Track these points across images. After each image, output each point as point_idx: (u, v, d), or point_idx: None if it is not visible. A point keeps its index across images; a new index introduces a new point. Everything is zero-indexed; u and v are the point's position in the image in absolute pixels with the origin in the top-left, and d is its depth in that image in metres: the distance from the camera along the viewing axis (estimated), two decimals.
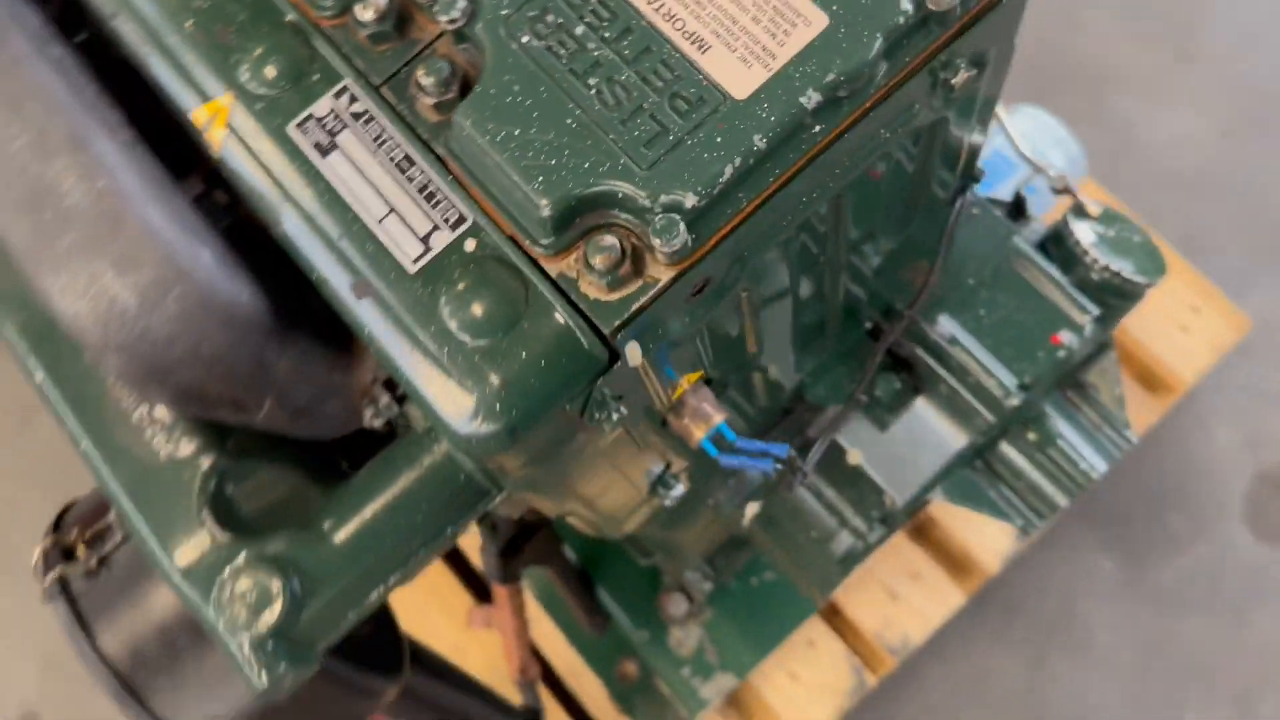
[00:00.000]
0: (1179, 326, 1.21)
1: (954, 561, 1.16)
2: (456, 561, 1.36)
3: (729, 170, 0.44)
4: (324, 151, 0.50)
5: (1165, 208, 1.40)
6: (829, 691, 1.19)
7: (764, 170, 0.45)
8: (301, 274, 0.50)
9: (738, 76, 0.45)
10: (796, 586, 0.97)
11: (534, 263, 0.47)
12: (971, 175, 0.67)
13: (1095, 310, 0.76)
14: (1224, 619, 1.29)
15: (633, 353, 0.47)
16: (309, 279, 0.50)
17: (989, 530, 1.10)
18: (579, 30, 0.47)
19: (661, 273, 0.45)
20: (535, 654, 1.36)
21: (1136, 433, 0.91)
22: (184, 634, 0.60)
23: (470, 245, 0.48)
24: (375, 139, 0.50)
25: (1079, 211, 0.79)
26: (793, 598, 1.19)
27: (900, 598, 1.14)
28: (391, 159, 0.49)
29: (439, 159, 0.49)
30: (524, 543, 1.00)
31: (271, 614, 0.53)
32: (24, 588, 0.88)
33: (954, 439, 0.82)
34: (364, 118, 0.50)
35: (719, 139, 0.44)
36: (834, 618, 1.21)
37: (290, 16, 0.52)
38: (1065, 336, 0.77)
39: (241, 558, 0.54)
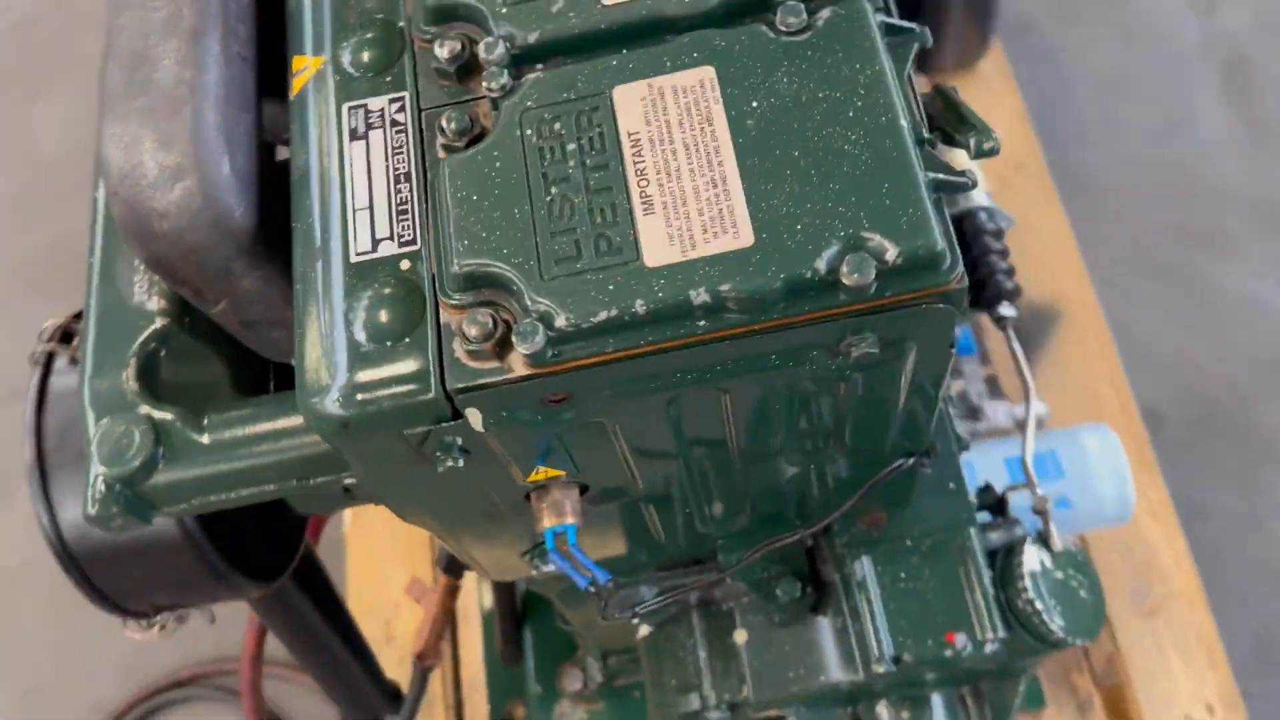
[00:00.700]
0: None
1: None
2: None
3: (603, 314, 0.49)
4: (355, 137, 0.58)
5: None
6: None
7: (636, 332, 0.50)
8: None
9: (657, 247, 0.50)
10: None
11: (436, 305, 0.53)
12: (918, 446, 0.69)
13: (1003, 633, 0.76)
14: None
15: (473, 417, 0.53)
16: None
17: None
18: (570, 146, 0.53)
19: (517, 366, 0.51)
20: (447, 653, 1.42)
21: None
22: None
23: (405, 265, 0.55)
24: (394, 148, 0.57)
25: (1041, 538, 0.79)
26: None
27: None
28: (394, 169, 0.57)
29: (425, 188, 0.56)
30: None
31: (128, 463, 0.61)
32: None
33: (834, 671, 0.82)
34: (397, 127, 0.58)
35: (611, 287, 0.50)
36: None
37: (401, 23, 0.61)
38: (960, 640, 0.77)
39: (138, 409, 0.63)
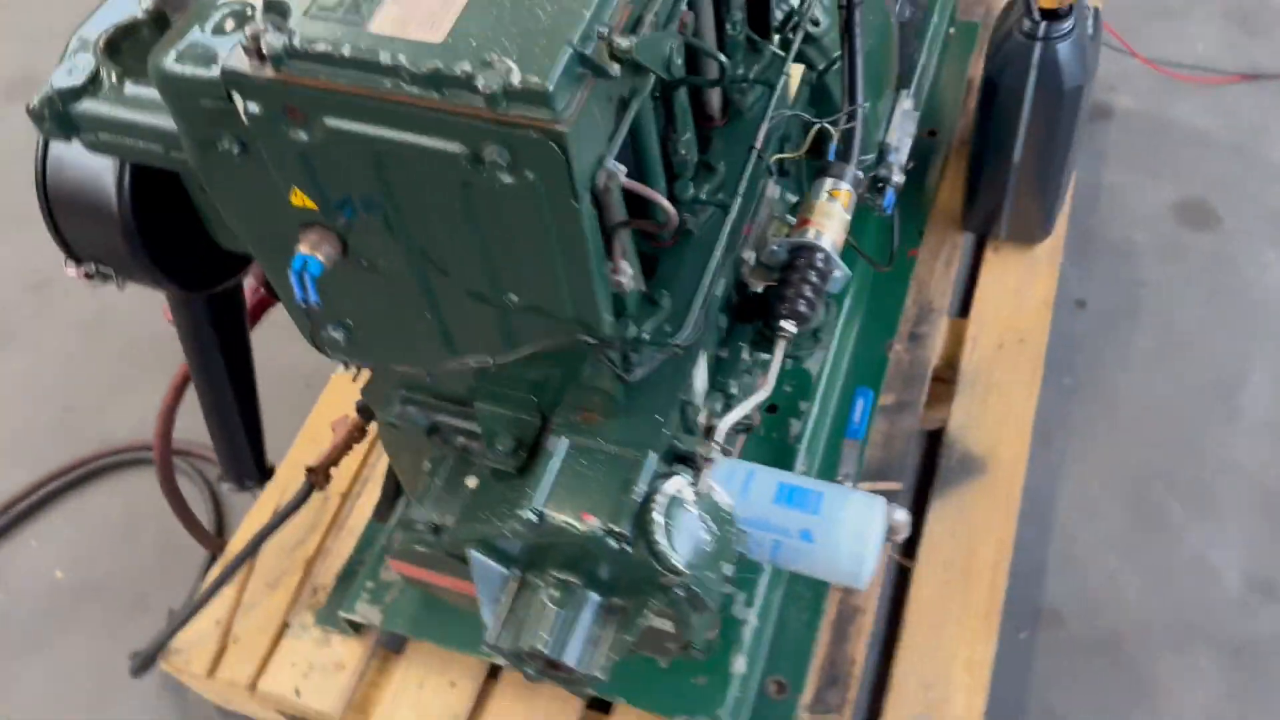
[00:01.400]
0: None
1: None
2: None
3: (321, 45, 0.71)
4: None
5: None
6: None
7: (341, 70, 0.71)
8: None
9: (384, 22, 0.72)
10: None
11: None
12: (594, 323, 0.85)
13: (626, 530, 0.89)
14: None
15: (237, 101, 0.75)
16: None
17: None
18: None
19: (266, 71, 0.73)
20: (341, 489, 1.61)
21: None
22: None
23: None
24: None
25: (695, 479, 0.91)
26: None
27: None
28: None
29: None
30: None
31: (70, 81, 0.88)
32: None
33: (506, 522, 0.97)
34: None
35: (338, 33, 0.72)
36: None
37: None
38: (592, 521, 0.90)
39: (97, 54, 0.89)
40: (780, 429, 1.47)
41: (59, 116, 0.89)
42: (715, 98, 1.11)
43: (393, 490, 1.49)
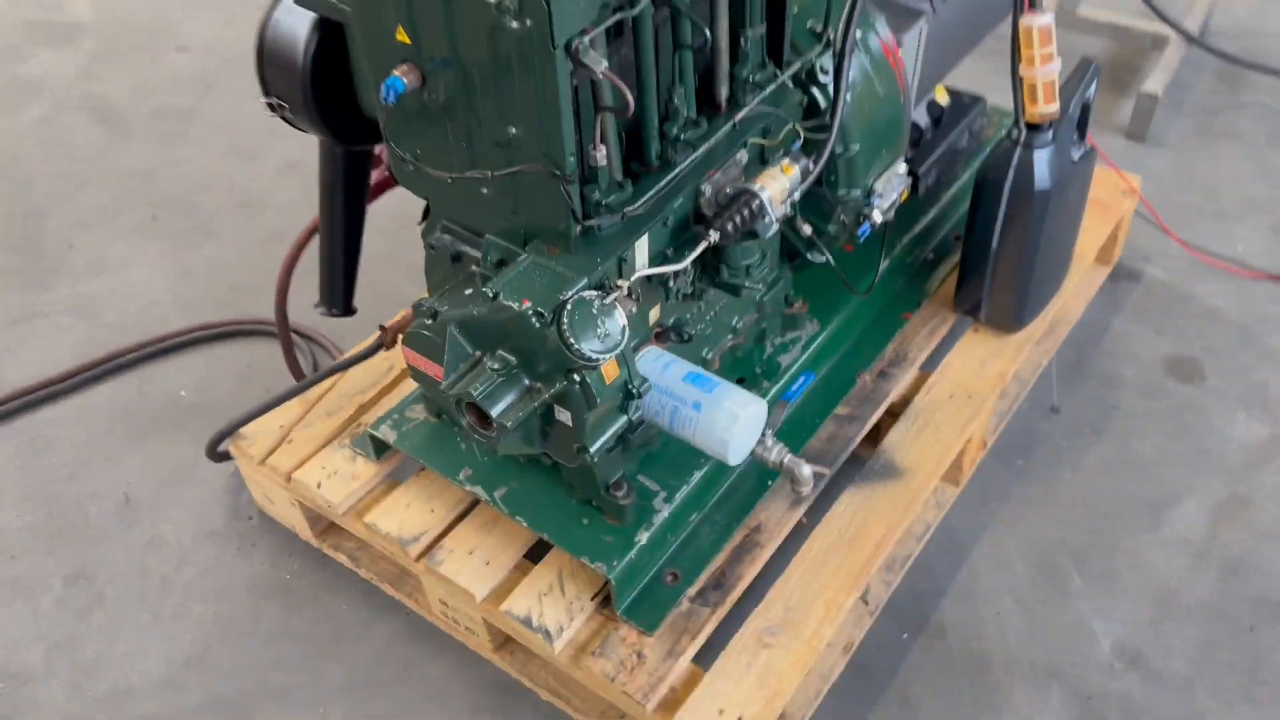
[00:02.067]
0: None
1: None
2: None
3: None
4: None
5: None
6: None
7: None
8: None
9: None
10: None
11: None
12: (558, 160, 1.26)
13: (549, 318, 1.27)
14: None
15: None
16: None
17: None
18: None
19: None
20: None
21: None
22: None
23: None
24: None
25: (605, 295, 1.28)
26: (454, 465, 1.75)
27: None
28: None
29: None
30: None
31: None
32: None
33: (474, 306, 1.38)
34: None
35: None
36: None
37: None
38: (528, 304, 1.29)
39: None
40: None
41: None
42: (723, 90, 1.53)
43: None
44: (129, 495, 2.13)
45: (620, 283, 1.34)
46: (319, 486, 1.85)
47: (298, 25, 1.53)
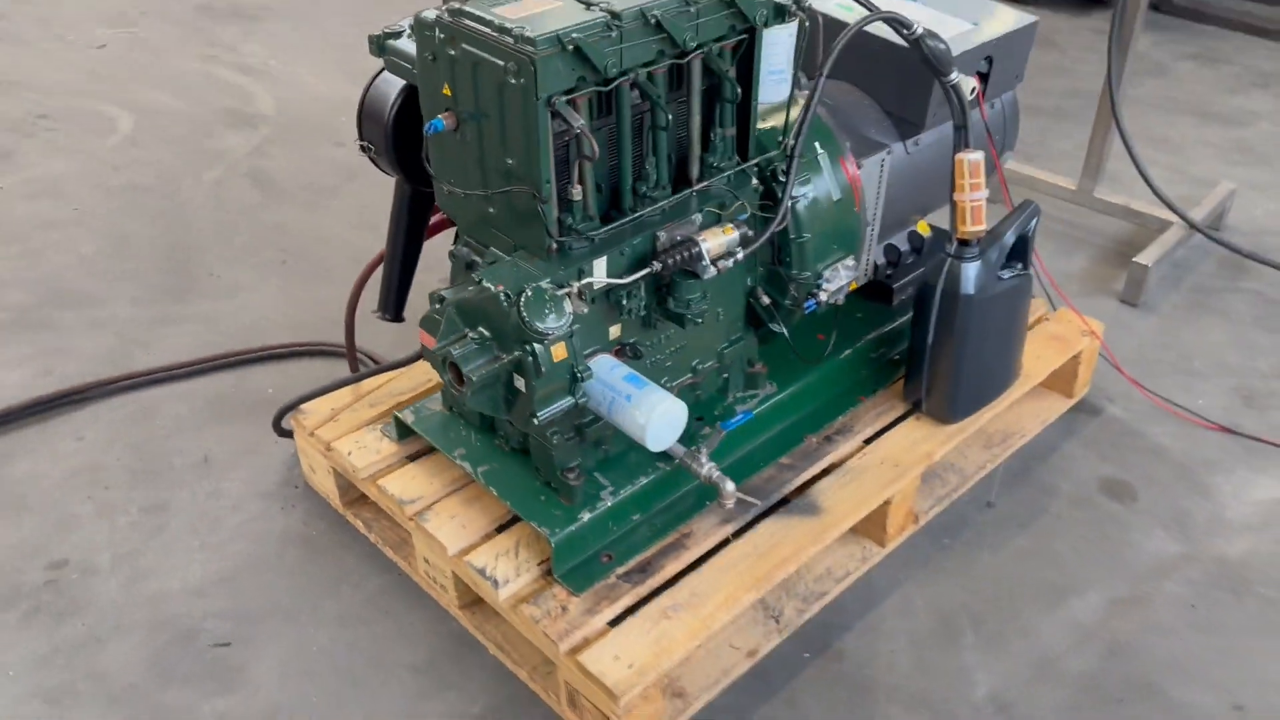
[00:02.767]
0: None
1: None
2: None
3: None
4: None
5: None
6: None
7: None
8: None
9: None
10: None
11: None
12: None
13: (513, 298, 1.70)
14: None
15: None
16: None
17: None
18: None
19: None
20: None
21: None
22: None
23: None
24: None
25: (561, 293, 1.70)
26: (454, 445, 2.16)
27: None
28: None
29: None
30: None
31: (386, 30, 1.93)
32: None
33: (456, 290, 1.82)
34: None
35: None
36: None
37: None
38: (502, 292, 1.73)
39: None
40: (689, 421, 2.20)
41: (378, 42, 1.95)
42: (694, 168, 1.98)
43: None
44: (208, 457, 2.61)
45: (573, 284, 1.77)
46: (349, 454, 2.29)
47: (390, 88, 2.07)
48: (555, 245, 1.81)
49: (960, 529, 2.40)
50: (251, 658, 2.13)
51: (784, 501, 2.21)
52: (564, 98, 1.68)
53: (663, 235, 1.91)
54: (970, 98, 2.29)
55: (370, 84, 2.12)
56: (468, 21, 1.71)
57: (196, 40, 5.00)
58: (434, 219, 2.31)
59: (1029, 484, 2.52)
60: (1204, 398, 2.79)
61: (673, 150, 1.96)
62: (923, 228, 2.62)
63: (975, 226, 2.18)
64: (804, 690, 2.06)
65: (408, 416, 2.27)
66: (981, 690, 2.06)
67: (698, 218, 1.96)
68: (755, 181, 2.07)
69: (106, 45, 4.95)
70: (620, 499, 2.07)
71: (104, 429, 2.70)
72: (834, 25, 2.11)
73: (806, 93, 2.02)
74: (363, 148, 2.15)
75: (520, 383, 1.81)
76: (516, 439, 2.13)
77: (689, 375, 2.18)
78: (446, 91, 1.81)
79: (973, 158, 2.14)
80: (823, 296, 2.17)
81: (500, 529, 2.13)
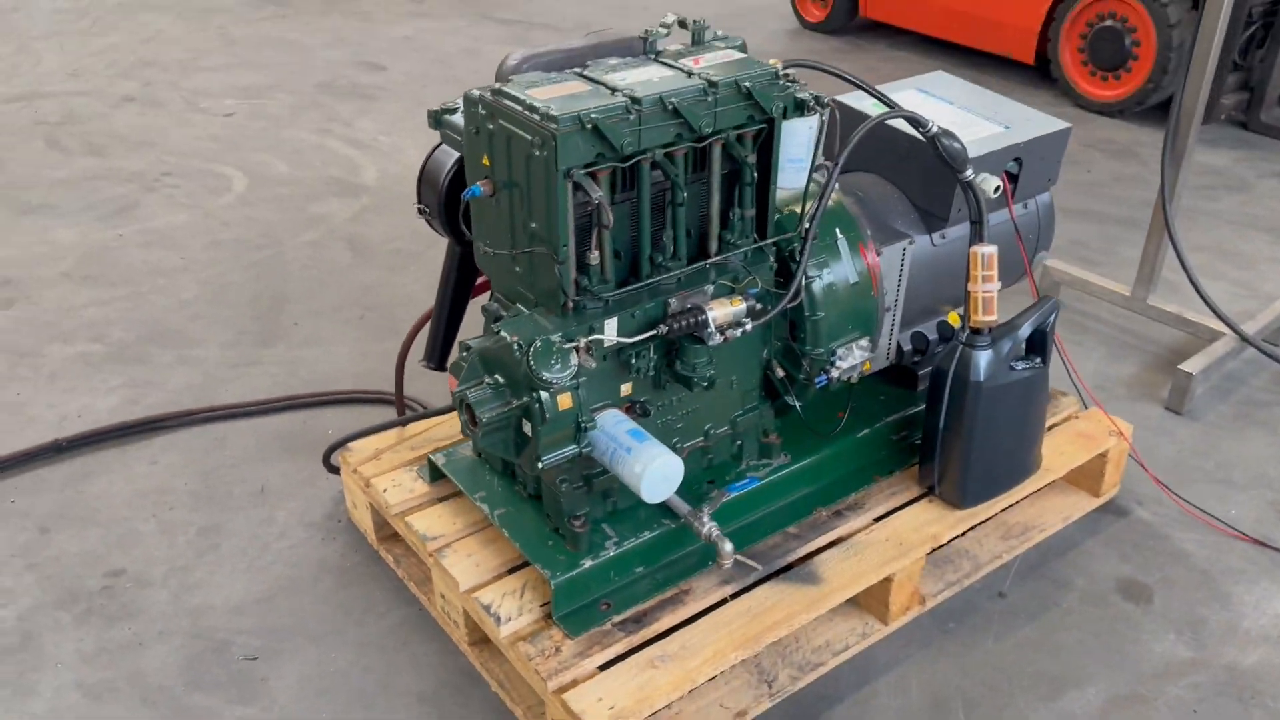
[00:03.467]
0: None
1: None
2: None
3: None
4: None
5: None
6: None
7: None
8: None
9: None
10: None
11: None
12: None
13: (524, 348, 1.85)
14: None
15: None
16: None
17: None
18: None
19: None
20: None
21: None
22: None
23: None
24: None
25: (570, 348, 1.84)
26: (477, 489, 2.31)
27: None
28: None
29: None
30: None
31: (443, 106, 2.15)
32: None
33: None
34: None
35: None
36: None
37: None
38: (515, 338, 1.88)
39: None
40: (700, 484, 2.31)
41: (436, 116, 2.16)
42: (713, 243, 2.13)
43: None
44: (265, 487, 2.82)
45: (580, 339, 1.92)
46: (385, 491, 2.46)
47: (446, 159, 2.29)
48: (570, 303, 1.96)
49: (968, 615, 2.43)
50: (274, 672, 2.29)
51: (786, 569, 2.28)
52: (584, 171, 1.85)
53: (673, 302, 2.05)
54: (994, 196, 2.39)
55: (430, 154, 2.34)
56: (505, 100, 1.90)
57: (315, 114, 5.42)
58: (480, 279, 2.50)
59: (1044, 577, 2.54)
60: (1237, 508, 2.76)
61: (693, 225, 2.11)
62: (953, 318, 2.70)
63: (987, 316, 2.26)
64: None
65: (439, 459, 2.43)
66: None
67: (710, 288, 2.10)
68: (772, 259, 2.20)
69: (234, 114, 5.40)
70: (624, 550, 2.18)
71: (177, 455, 2.94)
72: (859, 119, 2.25)
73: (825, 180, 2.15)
74: (420, 211, 2.36)
75: (528, 428, 1.95)
76: (533, 485, 2.27)
77: (700, 438, 2.29)
78: (485, 161, 2.00)
79: (985, 251, 2.24)
80: (834, 373, 2.27)
81: (512, 570, 2.25)
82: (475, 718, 2.19)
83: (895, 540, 2.34)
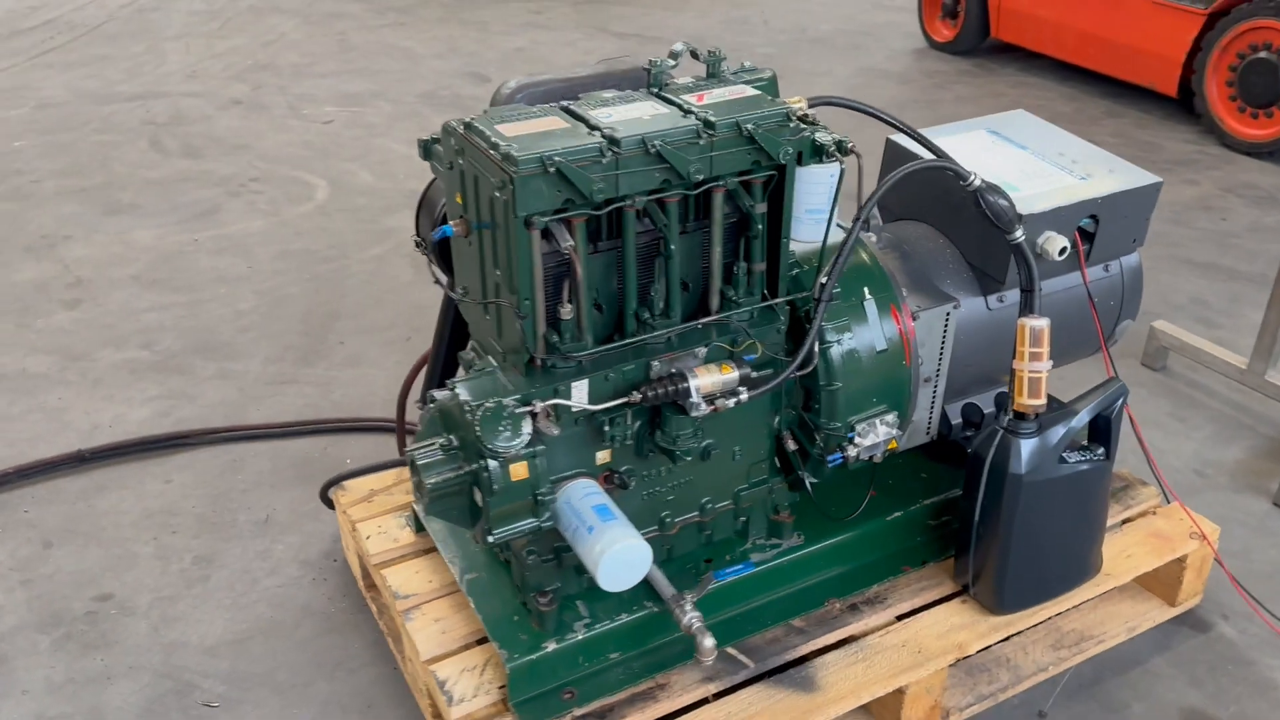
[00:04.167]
0: None
1: None
2: None
3: None
4: None
5: None
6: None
7: None
8: None
9: None
10: None
11: None
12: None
13: (474, 409, 1.66)
14: None
15: None
16: None
17: None
18: None
19: None
20: None
21: None
22: None
23: None
24: None
25: (525, 413, 1.64)
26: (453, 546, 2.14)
27: None
28: None
29: None
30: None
31: (430, 138, 1.98)
32: None
33: None
34: None
35: None
36: None
37: None
38: (468, 398, 1.69)
39: None
40: (697, 563, 2.08)
41: (425, 146, 1.99)
42: (714, 300, 1.89)
43: None
44: (270, 516, 2.71)
45: (537, 404, 1.72)
46: (368, 538, 2.31)
47: (439, 197, 2.12)
48: (538, 361, 1.77)
49: None
50: None
51: (782, 668, 2.02)
52: (550, 218, 1.66)
53: (657, 365, 1.83)
54: (1059, 258, 2.09)
55: (429, 186, 2.18)
56: (474, 136, 1.72)
57: (411, 124, 5.38)
58: None
59: (1095, 699, 2.20)
60: None
61: (693, 279, 1.89)
62: None
63: (1034, 400, 1.96)
64: None
65: (420, 511, 2.27)
66: None
67: (702, 351, 1.87)
68: (783, 320, 1.95)
69: (332, 121, 5.41)
70: (595, 634, 1.96)
71: (191, 475, 2.87)
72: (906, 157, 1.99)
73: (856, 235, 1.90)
74: (416, 243, 2.20)
75: (477, 494, 1.76)
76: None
77: (695, 513, 2.05)
78: (459, 199, 1.82)
79: (1035, 325, 1.94)
80: (852, 451, 2.00)
81: (481, 641, 2.07)
82: None
83: (914, 646, 2.05)
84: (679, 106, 1.80)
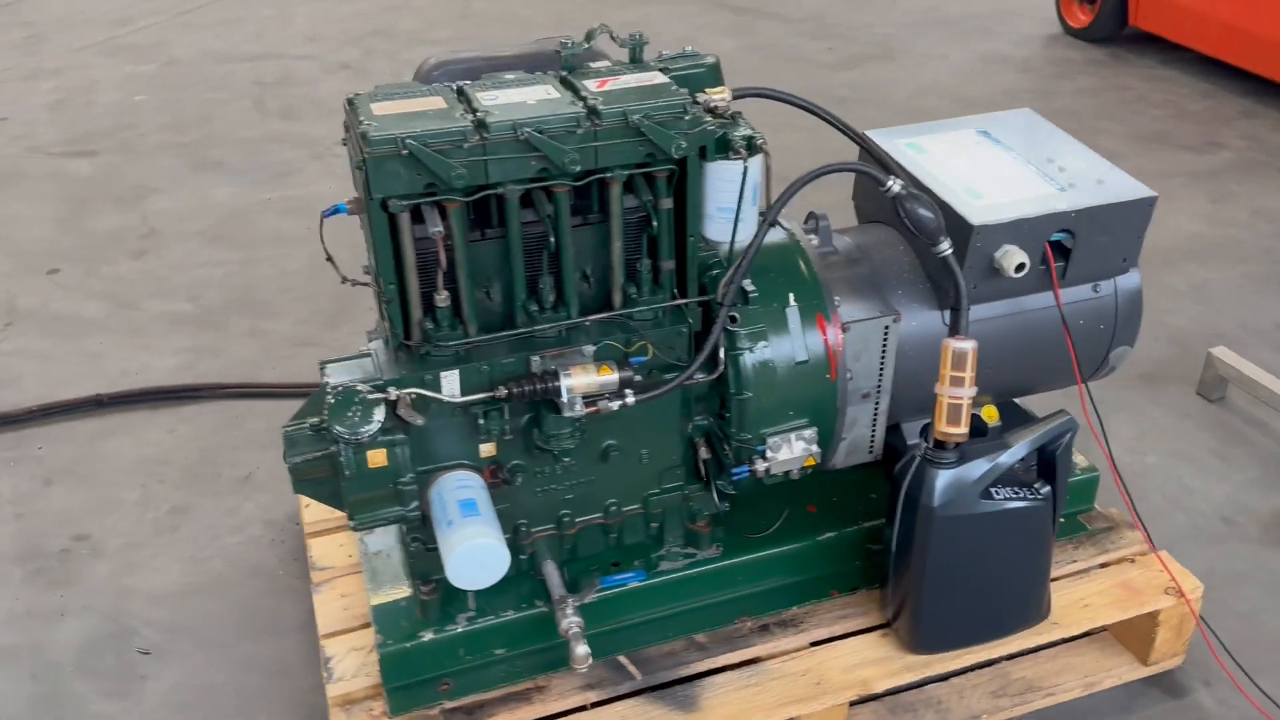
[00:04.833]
0: None
1: None
2: None
3: None
4: None
5: None
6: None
7: None
8: None
9: None
10: None
11: None
12: None
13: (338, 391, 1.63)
14: None
15: None
16: None
17: None
18: None
19: None
20: None
21: None
22: None
23: None
24: None
25: (382, 399, 1.60)
26: None
27: None
28: None
29: None
30: None
31: None
32: None
33: None
34: None
35: None
36: None
37: None
38: (339, 381, 1.67)
39: None
40: (604, 566, 2.01)
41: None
42: (616, 296, 1.81)
43: None
44: (252, 475, 2.78)
45: (391, 391, 1.68)
46: (307, 506, 2.34)
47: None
48: (407, 347, 1.73)
49: None
50: (156, 672, 2.23)
51: (669, 684, 1.94)
52: (419, 201, 1.61)
53: (536, 360, 1.76)
54: (1016, 275, 1.90)
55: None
56: (351, 112, 1.69)
57: None
58: None
59: None
60: None
61: (596, 274, 1.81)
62: (989, 413, 2.20)
63: (952, 428, 1.79)
64: None
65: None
66: None
67: (590, 349, 1.79)
68: (691, 322, 1.85)
69: None
70: (477, 627, 1.92)
71: (192, 428, 2.97)
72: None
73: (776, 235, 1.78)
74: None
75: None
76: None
77: (599, 514, 1.98)
78: (356, 179, 1.80)
79: (960, 346, 1.77)
80: (761, 465, 1.89)
81: None
82: None
83: (815, 676, 1.93)
84: (575, 92, 1.72)
